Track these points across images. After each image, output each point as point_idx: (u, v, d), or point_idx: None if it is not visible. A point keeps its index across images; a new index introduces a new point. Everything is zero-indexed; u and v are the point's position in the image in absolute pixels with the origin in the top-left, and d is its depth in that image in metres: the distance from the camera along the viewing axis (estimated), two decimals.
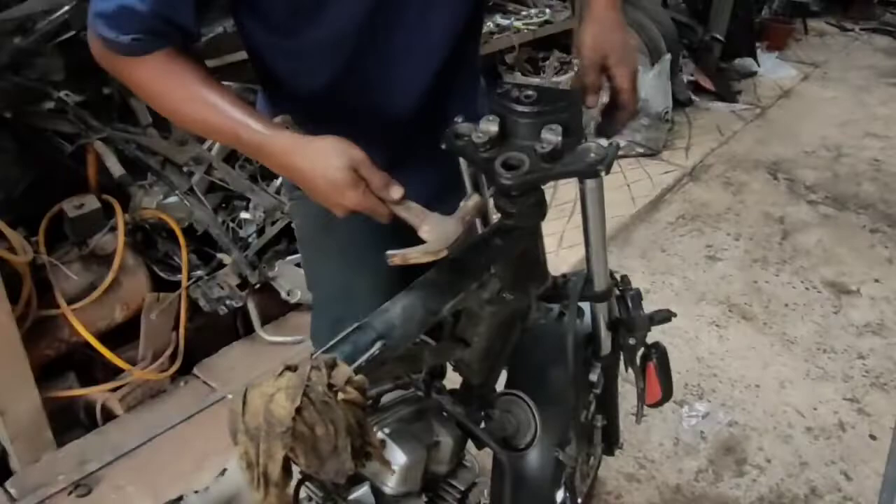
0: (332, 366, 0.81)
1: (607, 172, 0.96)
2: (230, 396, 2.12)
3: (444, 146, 1.00)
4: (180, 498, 0.81)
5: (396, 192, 0.92)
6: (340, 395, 0.79)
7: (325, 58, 1.06)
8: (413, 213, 0.92)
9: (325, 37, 1.03)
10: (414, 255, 0.89)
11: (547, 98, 0.96)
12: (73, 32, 1.86)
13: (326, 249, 1.28)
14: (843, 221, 3.28)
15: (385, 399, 1.02)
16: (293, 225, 1.47)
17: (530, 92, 0.97)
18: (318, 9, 0.99)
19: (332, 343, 0.86)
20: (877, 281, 2.84)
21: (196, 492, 0.83)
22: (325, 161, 0.90)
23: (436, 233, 0.90)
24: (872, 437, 2.11)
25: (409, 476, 0.95)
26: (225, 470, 0.85)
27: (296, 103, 1.10)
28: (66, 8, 1.81)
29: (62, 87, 1.97)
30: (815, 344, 2.48)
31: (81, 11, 1.83)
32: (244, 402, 0.80)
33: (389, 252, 0.89)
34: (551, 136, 0.93)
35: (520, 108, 0.96)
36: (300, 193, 1.17)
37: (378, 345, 0.86)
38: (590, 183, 1.01)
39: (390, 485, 0.94)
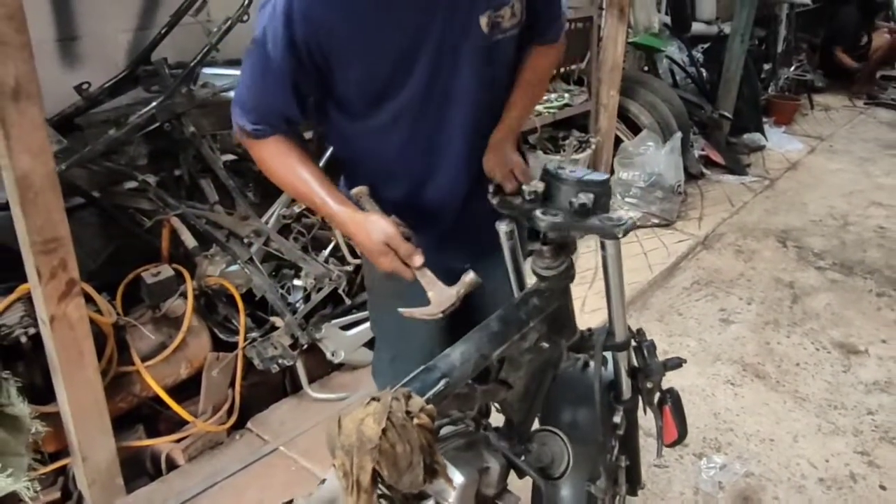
0: (408, 397, 1.02)
1: (624, 236, 1.19)
2: (282, 448, 2.31)
3: (493, 201, 1.25)
4: (290, 501, 1.01)
5: (417, 260, 1.23)
6: (415, 421, 1.00)
7: (392, 132, 1.35)
8: (426, 279, 1.23)
9: (391, 119, 1.33)
10: (417, 313, 1.22)
11: (586, 174, 1.21)
12: (157, 124, 2.15)
13: (388, 296, 1.51)
14: (850, 286, 3.46)
15: (443, 432, 1.22)
16: (364, 275, 1.71)
17: (574, 168, 1.21)
18: (385, 98, 1.30)
19: (406, 380, 1.07)
20: (884, 342, 3.00)
21: (303, 497, 1.03)
22: (367, 234, 1.25)
23: (437, 299, 1.21)
24: (882, 488, 2.24)
25: (465, 494, 1.14)
26: (325, 480, 1.05)
27: (367, 178, 1.37)
28: (154, 104, 2.11)
29: (143, 170, 2.26)
30: (825, 401, 2.63)
31: (166, 107, 2.14)
32: (339, 426, 1.01)
33: (400, 309, 1.22)
34: (584, 198, 1.17)
35: (564, 176, 1.20)
36: None
37: (442, 382, 1.07)
38: (609, 249, 1.24)
39: (450, 501, 1.13)
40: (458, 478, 1.13)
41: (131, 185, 2.30)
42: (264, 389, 2.55)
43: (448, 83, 1.30)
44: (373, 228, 1.24)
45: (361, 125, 1.36)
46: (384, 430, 0.97)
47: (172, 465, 2.27)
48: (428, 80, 1.28)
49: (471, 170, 1.39)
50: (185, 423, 2.28)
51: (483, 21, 1.25)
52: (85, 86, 2.14)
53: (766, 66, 6.26)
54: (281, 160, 1.31)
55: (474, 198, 1.39)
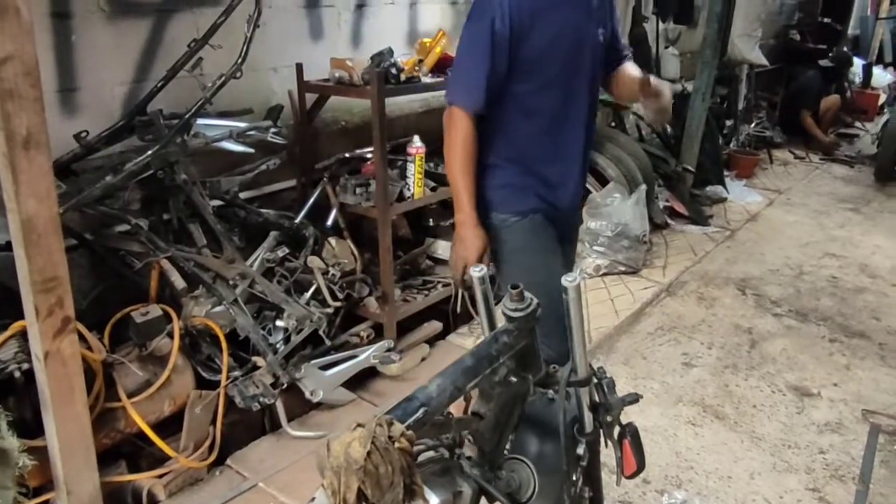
0: (390, 423, 1.14)
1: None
2: (261, 485, 2.39)
3: None
4: None
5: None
6: (396, 444, 1.12)
7: (549, 93, 1.90)
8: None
9: (555, 75, 1.88)
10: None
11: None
12: (151, 171, 2.27)
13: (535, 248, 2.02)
14: (804, 332, 3.65)
15: (421, 458, 1.34)
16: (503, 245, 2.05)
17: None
18: (553, 54, 1.86)
19: (388, 410, 1.19)
20: (835, 385, 3.17)
21: None
22: (470, 243, 1.91)
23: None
24: None
25: None
26: (314, 498, 1.16)
27: (515, 147, 1.95)
28: (149, 153, 2.23)
29: (136, 214, 2.37)
30: (780, 440, 2.77)
31: (160, 156, 2.27)
32: (328, 449, 1.12)
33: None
34: None
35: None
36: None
37: (421, 410, 1.19)
38: (571, 293, 1.38)
39: None
40: (433, 499, 1.24)
41: (122, 227, 2.41)
42: (244, 427, 2.63)
43: (573, 75, 1.90)
44: (476, 244, 1.90)
45: (521, 87, 1.86)
46: (369, 453, 1.09)
47: (153, 501, 2.32)
48: (565, 63, 1.87)
49: (584, 160, 2.04)
50: (167, 458, 2.34)
51: (600, 32, 1.92)
52: (83, 134, 2.27)
53: (729, 123, 6.59)
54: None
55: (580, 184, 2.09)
